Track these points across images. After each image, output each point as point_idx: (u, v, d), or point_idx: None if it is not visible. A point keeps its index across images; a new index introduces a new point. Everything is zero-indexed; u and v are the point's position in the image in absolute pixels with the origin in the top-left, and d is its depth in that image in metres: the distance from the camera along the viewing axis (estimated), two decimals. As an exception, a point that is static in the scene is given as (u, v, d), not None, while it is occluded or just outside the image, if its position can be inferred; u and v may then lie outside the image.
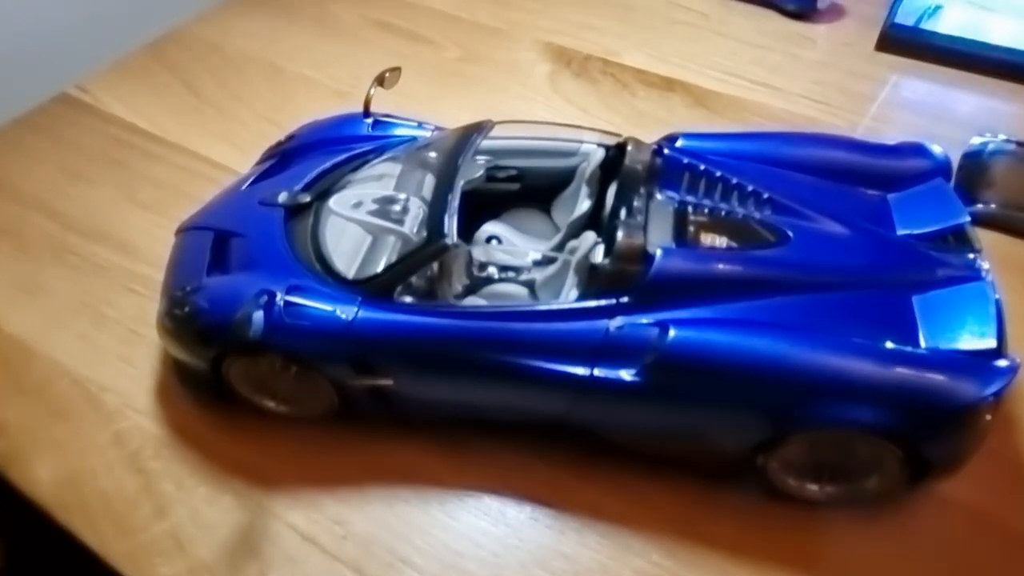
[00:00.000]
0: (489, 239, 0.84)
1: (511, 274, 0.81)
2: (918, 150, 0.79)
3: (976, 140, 1.03)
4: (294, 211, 0.80)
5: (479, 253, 0.81)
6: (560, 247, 0.80)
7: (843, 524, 0.69)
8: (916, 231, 0.73)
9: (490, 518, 0.71)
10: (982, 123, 1.06)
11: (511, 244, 0.84)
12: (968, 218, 0.72)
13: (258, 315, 0.67)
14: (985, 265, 0.69)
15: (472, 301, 0.75)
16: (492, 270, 0.81)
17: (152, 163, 1.10)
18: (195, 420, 0.79)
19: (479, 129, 0.80)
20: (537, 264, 0.82)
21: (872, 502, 0.68)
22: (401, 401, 0.72)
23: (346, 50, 1.28)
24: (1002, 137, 1.04)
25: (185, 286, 0.75)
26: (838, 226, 0.73)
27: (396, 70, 0.89)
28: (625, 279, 0.67)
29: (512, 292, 0.78)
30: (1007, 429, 0.74)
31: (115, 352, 0.86)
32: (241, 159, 1.01)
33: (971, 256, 0.70)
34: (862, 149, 0.80)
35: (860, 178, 0.77)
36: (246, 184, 0.87)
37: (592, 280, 0.69)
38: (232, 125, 1.16)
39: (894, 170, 0.78)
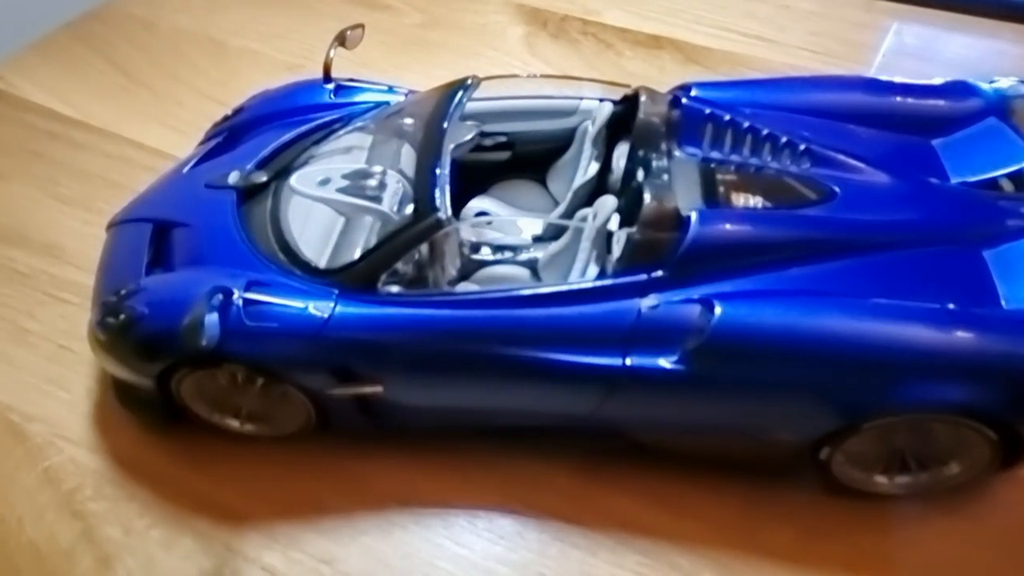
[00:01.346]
0: (478, 216, 0.72)
1: (507, 254, 0.70)
2: (965, 89, 0.70)
3: (989, 84, 0.96)
4: (248, 193, 0.67)
5: (467, 233, 0.70)
6: (565, 218, 0.69)
7: (915, 519, 0.60)
8: (972, 178, 0.64)
9: (506, 542, 0.60)
10: (991, 66, 0.99)
11: (503, 221, 0.72)
12: (1034, 159, 0.63)
13: (212, 318, 0.54)
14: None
15: (467, 288, 0.64)
16: (485, 251, 0.69)
17: (77, 153, 0.96)
18: (143, 449, 0.66)
19: (463, 86, 0.68)
20: (537, 241, 0.70)
21: (948, 492, 0.59)
22: (393, 411, 0.61)
23: (296, 21, 1.15)
24: (1015, 79, 0.96)
25: (119, 289, 0.62)
26: (887, 177, 0.63)
27: (359, 27, 0.77)
28: (657, 249, 0.56)
29: (511, 274, 0.67)
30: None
31: (42, 374, 0.73)
32: (181, 143, 0.88)
33: (1041, 202, 0.61)
34: (902, 91, 0.71)
35: (903, 123, 0.68)
36: (188, 166, 0.74)
37: (613, 252, 0.58)
38: (169, 106, 1.02)
39: (941, 112, 0.69)
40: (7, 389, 0.71)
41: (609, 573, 0.58)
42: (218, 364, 0.58)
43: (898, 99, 0.70)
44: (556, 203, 0.73)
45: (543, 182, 0.76)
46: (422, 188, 0.60)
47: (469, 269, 0.68)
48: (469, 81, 0.68)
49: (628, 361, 0.55)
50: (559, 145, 0.74)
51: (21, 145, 0.97)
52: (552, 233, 0.70)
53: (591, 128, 0.70)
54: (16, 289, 0.80)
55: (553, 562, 0.59)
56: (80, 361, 0.73)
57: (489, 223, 0.72)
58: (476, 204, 0.74)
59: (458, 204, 0.72)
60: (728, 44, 1.07)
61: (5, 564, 0.61)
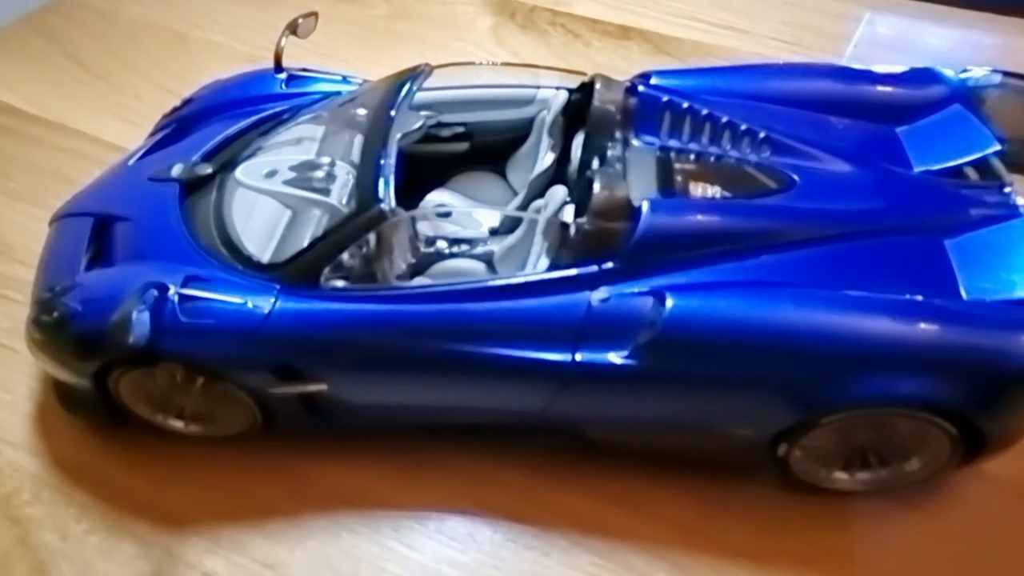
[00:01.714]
0: (436, 209, 0.70)
1: (464, 247, 0.68)
2: (929, 76, 0.69)
3: (962, 74, 0.94)
4: (192, 186, 0.65)
5: (424, 227, 0.68)
6: (522, 209, 0.67)
7: (875, 514, 0.59)
8: (935, 166, 0.62)
9: (458, 543, 0.58)
10: (965, 56, 0.98)
11: (462, 213, 0.70)
12: (999, 146, 0.61)
13: (142, 316, 0.52)
14: (1021, 200, 0.59)
15: (420, 283, 0.62)
16: (441, 244, 0.67)
17: (28, 146, 0.93)
18: (84, 452, 0.64)
19: (413, 75, 0.66)
20: (494, 234, 0.69)
21: (909, 487, 0.58)
22: (339, 410, 0.59)
23: (260, 13, 1.13)
24: (987, 69, 0.95)
25: (55, 286, 0.60)
26: (848, 166, 0.62)
27: (312, 15, 0.75)
28: (607, 240, 0.54)
29: (467, 268, 0.65)
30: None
31: (-19, 374, 0.70)
32: (136, 136, 0.85)
33: (1004, 191, 0.59)
34: (865, 78, 0.69)
35: (866, 111, 0.66)
36: (134, 159, 0.71)
37: (566, 244, 0.56)
38: (126, 99, 0.99)
39: (904, 100, 0.67)
40: (-55, 390, 0.69)
41: (562, 574, 0.56)
42: (155, 363, 0.56)
43: (861, 87, 0.68)
44: (516, 194, 0.71)
45: (503, 173, 0.74)
46: (365, 178, 0.58)
47: (425, 263, 0.66)
48: (421, 69, 0.66)
49: (578, 356, 0.53)
50: (518, 135, 0.72)
51: (-30, 139, 0.94)
52: (509, 226, 0.68)
53: (548, 118, 0.68)
54: (-41, 287, 0.77)
55: (505, 564, 0.57)
56: (23, 361, 0.70)
57: (447, 216, 0.70)
58: (435, 197, 0.72)
59: (417, 197, 0.70)
60: (698, 34, 1.06)
61: (-64, 572, 0.58)
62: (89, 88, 1.02)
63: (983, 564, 0.56)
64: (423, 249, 0.66)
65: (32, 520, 0.61)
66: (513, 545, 0.58)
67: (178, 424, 0.62)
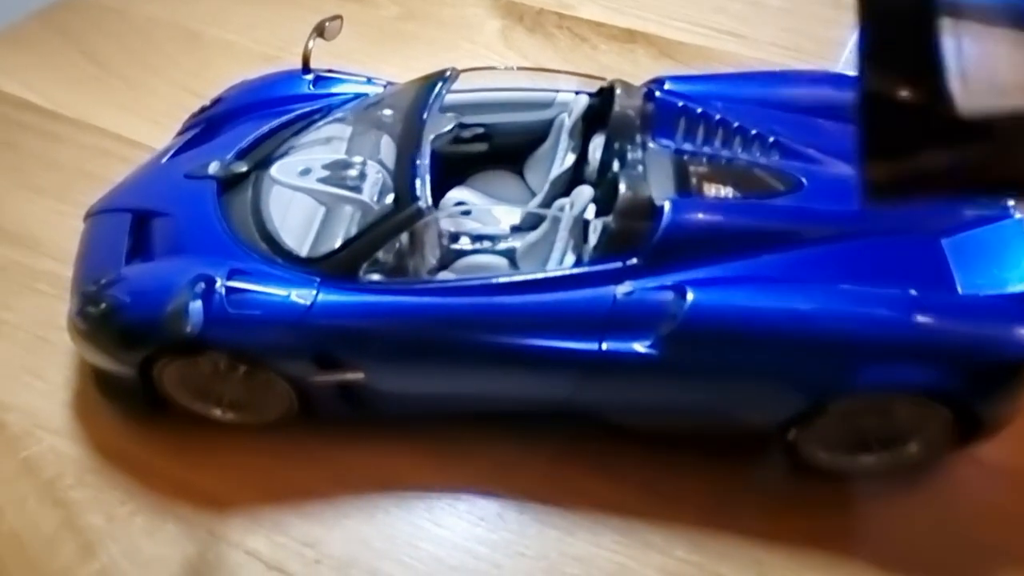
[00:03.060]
0: (457, 207, 0.74)
1: (486, 243, 0.71)
2: None
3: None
4: (228, 183, 0.67)
5: (447, 223, 0.71)
6: (544, 207, 0.70)
7: (879, 497, 0.63)
8: (932, 170, 0.66)
9: (487, 523, 0.62)
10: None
11: (482, 211, 0.74)
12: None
13: (196, 306, 0.55)
14: (1011, 201, 0.63)
15: (448, 277, 0.65)
16: (464, 240, 0.70)
17: (50, 143, 0.95)
18: (124, 438, 0.67)
19: (442, 78, 0.69)
20: (516, 230, 0.72)
21: (910, 470, 0.62)
22: (374, 397, 0.62)
23: (271, 11, 1.15)
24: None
25: (99, 279, 0.62)
26: (852, 169, 0.65)
27: (337, 18, 0.77)
28: (631, 238, 0.58)
29: (489, 263, 0.68)
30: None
31: (18, 364, 0.72)
32: (156, 133, 0.87)
33: (996, 194, 0.64)
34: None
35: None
36: (167, 157, 0.74)
37: (590, 241, 0.59)
38: (143, 96, 1.01)
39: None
40: (-16, 379, 0.71)
41: (586, 551, 0.60)
42: (200, 352, 0.59)
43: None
44: (533, 194, 0.75)
45: (521, 173, 0.78)
46: (403, 178, 0.61)
47: (448, 259, 0.69)
48: (448, 73, 0.69)
49: (604, 346, 0.57)
50: (536, 137, 0.75)
51: (-7, 135, 0.96)
52: (530, 223, 0.71)
53: (567, 120, 0.71)
54: (-9, 280, 0.80)
55: (532, 541, 0.61)
56: (57, 351, 0.73)
57: (468, 213, 0.73)
58: (455, 194, 0.75)
59: (437, 195, 0.73)
60: (700, 39, 1.09)
61: (-14, 552, 0.61)
62: (105, 85, 1.03)
63: (976, 541, 0.60)
64: (448, 245, 0.69)
65: (77, 503, 0.63)
66: (539, 525, 0.62)
67: (217, 412, 0.65)
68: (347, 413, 0.63)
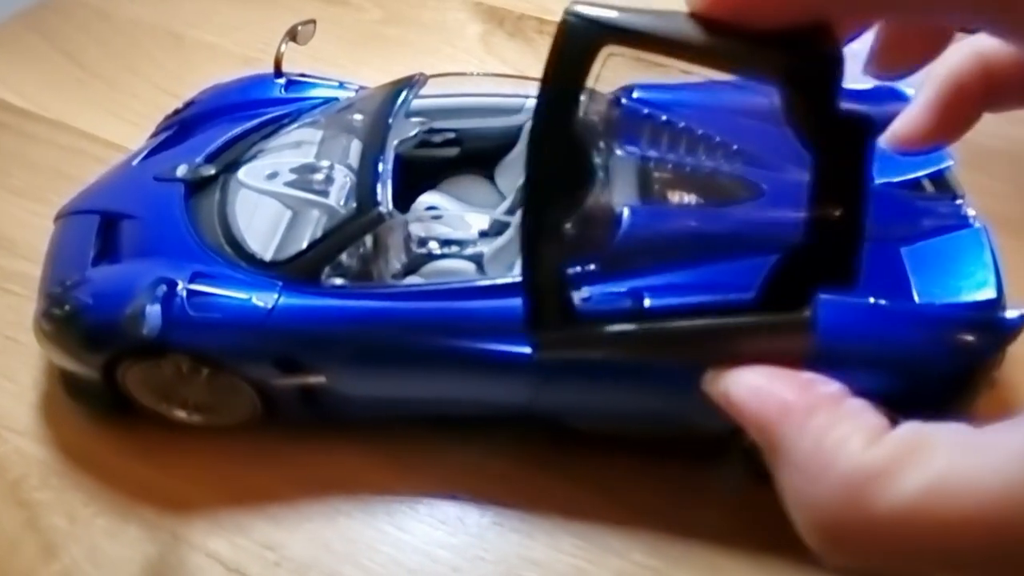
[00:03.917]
0: (427, 211, 0.74)
1: (455, 248, 0.71)
2: (892, 94, 0.73)
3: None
4: (196, 186, 0.68)
5: (416, 228, 0.71)
6: (509, 214, 0.70)
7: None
8: (896, 179, 0.67)
9: (448, 527, 0.62)
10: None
11: (452, 216, 0.74)
12: (951, 162, 0.66)
13: (154, 309, 0.55)
14: (972, 212, 0.64)
15: (412, 281, 0.65)
16: (432, 245, 0.71)
17: (27, 143, 0.95)
18: (89, 439, 0.67)
19: (409, 84, 0.70)
20: (484, 236, 0.72)
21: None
22: (336, 401, 0.62)
23: (254, 14, 1.15)
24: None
25: (65, 280, 0.63)
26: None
27: (311, 23, 0.78)
28: (589, 244, 0.58)
29: (457, 268, 0.69)
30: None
31: (-13, 364, 0.73)
32: (136, 135, 0.88)
33: (957, 203, 0.64)
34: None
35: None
36: (137, 159, 0.74)
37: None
38: (124, 98, 1.01)
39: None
40: (-48, 380, 0.72)
41: (545, 555, 0.60)
42: (162, 355, 0.59)
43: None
44: (504, 198, 0.75)
45: (492, 178, 0.78)
46: (365, 182, 0.61)
47: (416, 263, 0.69)
48: (416, 78, 0.70)
49: (561, 351, 0.57)
50: (507, 142, 0.76)
51: (-30, 135, 0.96)
52: (498, 228, 0.72)
53: (535, 126, 0.72)
54: (-38, 280, 0.80)
55: (492, 546, 0.61)
56: (27, 352, 0.73)
57: (438, 218, 0.74)
58: (426, 199, 0.75)
59: (408, 199, 0.74)
60: (679, 45, 1.10)
61: (-52, 553, 0.61)
62: (86, 87, 1.04)
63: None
64: (416, 250, 0.70)
65: (40, 504, 0.63)
66: (500, 528, 0.62)
67: (181, 414, 0.65)
68: (310, 417, 0.63)
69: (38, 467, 0.66)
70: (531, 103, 0.74)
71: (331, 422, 0.65)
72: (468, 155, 0.77)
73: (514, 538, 0.61)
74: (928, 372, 0.55)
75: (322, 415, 0.63)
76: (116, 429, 0.67)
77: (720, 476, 0.63)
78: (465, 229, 0.73)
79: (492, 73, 0.77)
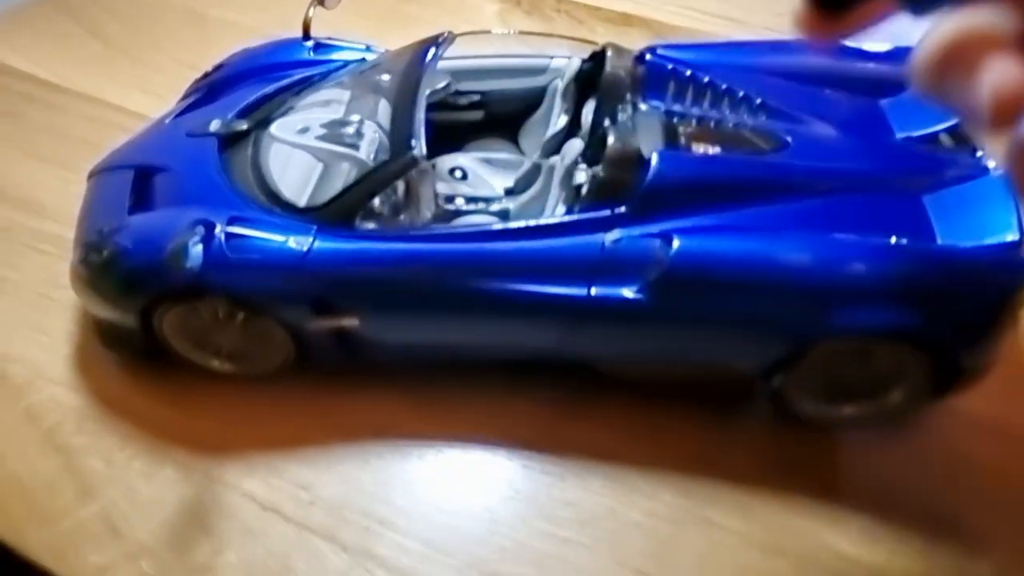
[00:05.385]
0: (452, 172, 0.75)
1: (481, 205, 0.72)
2: (909, 53, 0.74)
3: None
4: (229, 141, 0.69)
5: (442, 187, 0.72)
6: (534, 172, 0.72)
7: (860, 445, 0.64)
8: (915, 133, 0.68)
9: (479, 468, 0.63)
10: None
11: (477, 177, 0.75)
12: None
13: (195, 246, 0.56)
14: (991, 162, 0.65)
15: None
16: (459, 202, 0.72)
17: (55, 114, 0.97)
18: (123, 387, 0.68)
19: (436, 42, 0.71)
20: (509, 193, 0.74)
21: (891, 419, 0.63)
22: (369, 345, 0.63)
23: (272, -7, 1.17)
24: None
25: (102, 228, 0.64)
26: (836, 131, 0.67)
27: (337, -13, 0.79)
28: (620, 187, 0.59)
29: (484, 223, 0.70)
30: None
31: (22, 319, 0.74)
32: (161, 107, 0.88)
33: (976, 154, 0.65)
34: (853, 55, 0.75)
35: (853, 84, 0.72)
36: (169, 119, 0.76)
37: (580, 193, 0.61)
38: (149, 73, 1.03)
39: (888, 75, 0.73)
40: (-13, 333, 0.73)
41: (576, 496, 0.61)
42: (200, 297, 0.61)
43: (849, 63, 0.74)
44: (524, 155, 0.76)
45: (516, 141, 0.79)
46: (399, 129, 0.62)
47: (443, 219, 0.70)
48: (443, 36, 0.71)
49: (593, 291, 0.58)
50: (531, 104, 0.77)
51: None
52: (523, 187, 0.73)
53: (561, 84, 0.73)
54: (-6, 241, 0.81)
55: (523, 486, 0.62)
56: (61, 308, 0.74)
57: (464, 178, 0.75)
58: (450, 160, 0.77)
59: (433, 160, 0.75)
60: (694, 23, 1.11)
61: (-12, 494, 0.62)
62: (112, 63, 1.05)
63: (953, 490, 0.62)
64: (443, 206, 0.71)
65: (77, 449, 0.64)
66: (529, 471, 0.63)
67: (215, 362, 0.66)
68: (342, 361, 0.64)
69: (73, 414, 0.67)
70: (556, 63, 0.76)
71: (363, 368, 0.66)
72: (492, 118, 0.78)
73: (544, 479, 0.62)
74: (956, 312, 0.56)
75: (355, 359, 0.64)
76: (149, 377, 0.68)
77: (747, 419, 0.64)
78: (490, 188, 0.75)
79: (518, 32, 0.78)
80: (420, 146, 0.61)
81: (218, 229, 0.59)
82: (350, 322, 0.61)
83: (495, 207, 0.72)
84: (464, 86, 0.77)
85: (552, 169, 0.67)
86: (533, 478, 0.62)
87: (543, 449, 0.64)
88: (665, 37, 1.07)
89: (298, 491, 0.62)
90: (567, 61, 0.74)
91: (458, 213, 0.71)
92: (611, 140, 0.60)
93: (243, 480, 0.62)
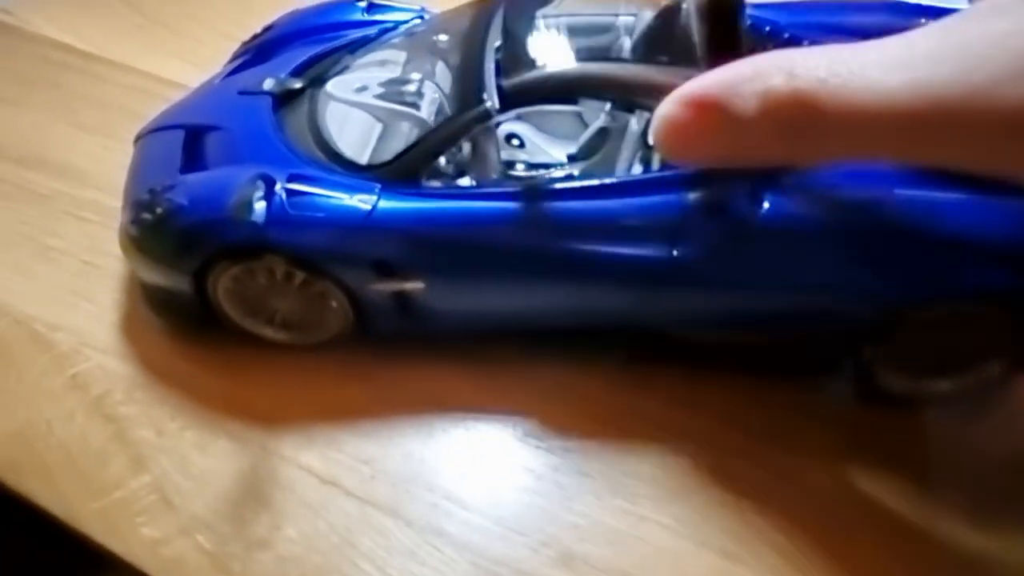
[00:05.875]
0: (509, 139, 0.72)
1: (542, 171, 0.69)
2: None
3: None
4: (284, 99, 0.66)
5: (502, 153, 0.69)
6: (600, 136, 0.68)
7: (947, 425, 0.60)
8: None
9: (546, 443, 0.60)
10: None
11: (535, 146, 0.72)
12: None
13: (259, 202, 0.53)
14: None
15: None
16: (520, 168, 0.69)
17: (94, 83, 0.94)
18: (174, 355, 0.65)
19: (497, 1, 0.68)
20: (572, 160, 0.70)
21: (982, 395, 0.59)
22: (431, 313, 0.60)
23: (311, -35, 1.14)
24: None
25: (154, 187, 0.61)
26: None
27: (389, -54, 0.76)
28: (703, 142, 0.56)
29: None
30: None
31: (66, 287, 0.71)
32: (201, 76, 0.86)
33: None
34: (920, 12, 0.70)
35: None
36: (219, 79, 0.73)
37: (654, 153, 0.58)
38: (188, 43, 1.01)
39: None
40: (31, 302, 0.70)
41: (649, 472, 0.58)
42: (258, 256, 0.58)
43: (918, 20, 0.70)
44: (587, 126, 0.73)
45: (577, 111, 0.76)
46: (467, 84, 0.59)
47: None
48: (504, -6, 0.68)
49: (675, 252, 0.55)
50: (594, 65, 0.74)
51: (37, 76, 0.95)
52: (585, 153, 0.70)
53: (628, 43, 0.70)
54: (37, 209, 0.79)
55: (593, 461, 0.59)
56: (105, 275, 0.72)
57: (522, 146, 0.72)
58: (507, 128, 0.73)
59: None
60: None
61: (36, 463, 0.59)
62: (149, 33, 1.03)
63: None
64: (505, 171, 0.68)
65: (127, 418, 0.62)
66: (598, 445, 0.59)
67: (268, 331, 0.64)
68: (403, 328, 0.61)
69: (122, 382, 0.64)
70: (621, 20, 0.72)
71: (423, 337, 0.63)
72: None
73: (616, 455, 0.59)
74: None
75: (416, 327, 0.61)
76: (199, 346, 0.65)
77: (829, 398, 0.61)
78: (548, 158, 0.71)
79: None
80: (493, 98, 0.57)
81: (278, 186, 0.56)
82: (414, 285, 0.58)
83: (558, 173, 0.69)
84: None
85: (622, 131, 0.63)
86: (603, 453, 0.59)
87: (605, 422, 0.60)
88: None
89: (359, 465, 0.59)
90: (634, 19, 0.70)
91: (519, 179, 0.68)
92: (692, 93, 0.57)
93: (300, 453, 0.59)
